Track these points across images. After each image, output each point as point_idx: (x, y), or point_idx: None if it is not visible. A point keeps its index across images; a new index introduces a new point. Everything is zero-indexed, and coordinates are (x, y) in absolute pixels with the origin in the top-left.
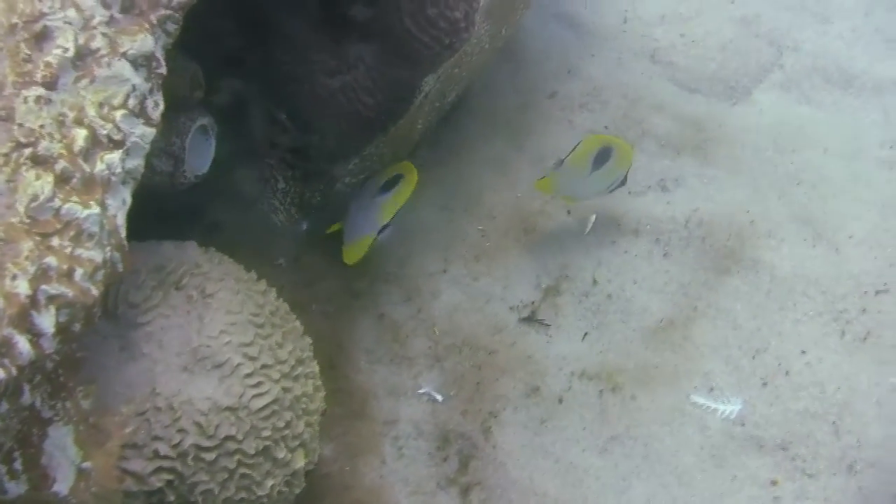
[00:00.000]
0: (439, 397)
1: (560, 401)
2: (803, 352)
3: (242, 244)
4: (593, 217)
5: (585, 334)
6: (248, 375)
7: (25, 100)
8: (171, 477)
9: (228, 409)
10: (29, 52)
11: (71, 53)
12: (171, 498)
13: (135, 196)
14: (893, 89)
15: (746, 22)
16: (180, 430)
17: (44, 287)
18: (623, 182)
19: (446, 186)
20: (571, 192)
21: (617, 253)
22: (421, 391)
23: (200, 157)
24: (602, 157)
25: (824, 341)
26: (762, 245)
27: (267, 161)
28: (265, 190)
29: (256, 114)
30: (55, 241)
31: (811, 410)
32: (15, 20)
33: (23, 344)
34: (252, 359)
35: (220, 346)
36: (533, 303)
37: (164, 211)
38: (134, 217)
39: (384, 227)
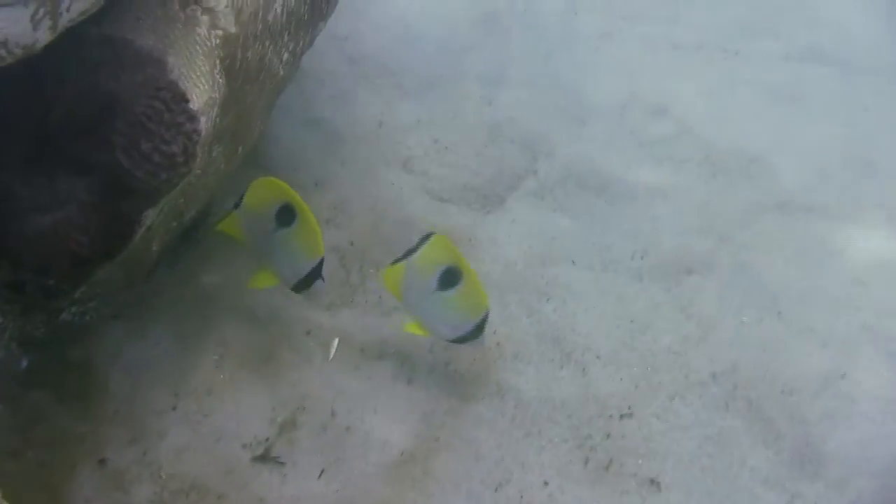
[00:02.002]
0: None
1: None
2: (546, 483)
3: None
4: (336, 342)
5: (322, 471)
6: None
7: None
8: None
9: None
10: None
11: None
12: None
13: None
14: (646, 196)
15: (501, 126)
16: None
17: None
18: (477, 333)
19: (183, 311)
20: (414, 305)
21: (359, 379)
22: None
23: None
24: (449, 278)
25: (567, 470)
26: (508, 368)
27: None
28: None
29: None
30: None
31: None
32: None
33: None
34: None
35: None
36: (267, 439)
37: None
38: None
39: None
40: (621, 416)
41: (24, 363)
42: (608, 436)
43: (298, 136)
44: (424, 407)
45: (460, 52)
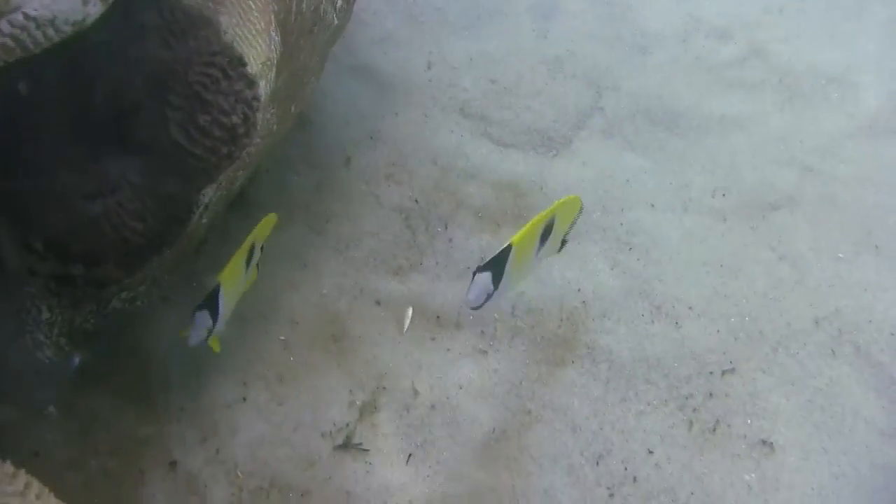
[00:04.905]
0: None
1: None
2: (650, 451)
3: (2, 392)
4: (410, 311)
5: (409, 456)
6: None
7: None
8: None
9: None
10: None
11: None
12: None
13: None
14: (720, 128)
15: (561, 61)
16: None
17: None
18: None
19: None
20: None
21: (438, 352)
22: None
23: None
24: None
25: (671, 435)
26: (597, 328)
27: (26, 290)
28: (26, 323)
29: (6, 242)
30: None
31: None
32: None
33: None
34: None
35: None
36: (348, 425)
37: None
38: None
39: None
40: (723, 373)
41: (76, 360)
42: (711, 395)
43: (347, 85)
44: (511, 377)
45: None
